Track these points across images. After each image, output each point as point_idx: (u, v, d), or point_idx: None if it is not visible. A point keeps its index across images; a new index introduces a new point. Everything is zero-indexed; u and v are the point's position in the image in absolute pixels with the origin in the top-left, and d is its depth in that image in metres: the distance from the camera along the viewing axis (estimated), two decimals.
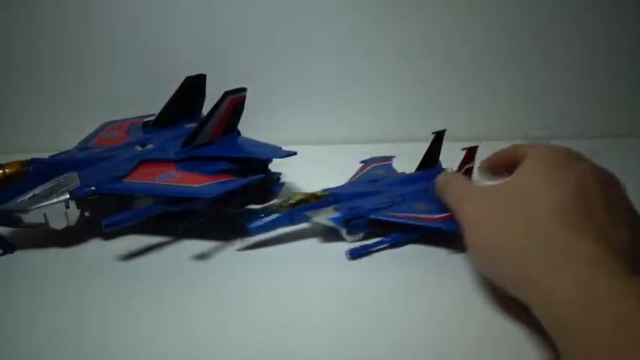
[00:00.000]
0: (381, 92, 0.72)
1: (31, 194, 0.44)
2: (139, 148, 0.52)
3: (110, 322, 0.36)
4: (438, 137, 0.53)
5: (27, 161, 0.45)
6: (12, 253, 0.45)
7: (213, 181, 0.46)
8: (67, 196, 0.44)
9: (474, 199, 0.38)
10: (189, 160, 0.50)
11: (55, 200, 0.44)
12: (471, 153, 0.52)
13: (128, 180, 0.47)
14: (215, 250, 0.45)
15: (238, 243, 0.46)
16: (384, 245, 0.45)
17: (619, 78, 0.73)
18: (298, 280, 0.41)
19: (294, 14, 0.68)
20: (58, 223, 0.44)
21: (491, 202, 0.36)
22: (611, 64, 0.72)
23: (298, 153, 0.49)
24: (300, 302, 0.38)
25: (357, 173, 0.55)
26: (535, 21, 0.69)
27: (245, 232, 0.45)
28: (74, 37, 0.69)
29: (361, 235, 0.46)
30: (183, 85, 0.58)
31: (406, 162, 0.56)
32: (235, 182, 0.46)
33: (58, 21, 0.68)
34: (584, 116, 0.75)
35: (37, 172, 0.45)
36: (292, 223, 0.46)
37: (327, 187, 0.49)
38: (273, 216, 0.44)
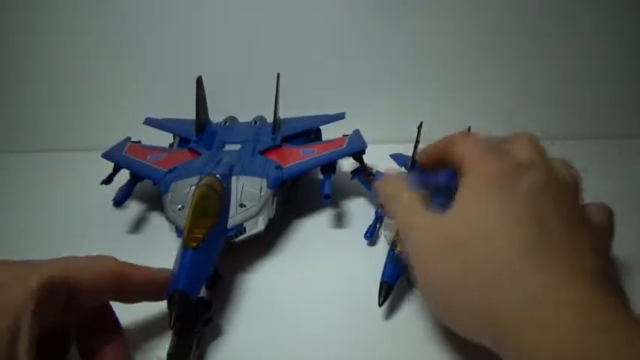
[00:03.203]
0: (378, 93, 0.73)
1: (235, 204, 0.42)
2: (234, 147, 0.52)
3: None
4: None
5: (214, 175, 0.41)
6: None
7: (340, 146, 0.53)
8: (271, 190, 0.44)
9: (424, 230, 0.31)
10: (286, 141, 0.54)
11: (267, 197, 0.43)
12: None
13: (285, 165, 0.49)
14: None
15: None
16: None
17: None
18: None
19: (291, 13, 0.68)
20: (264, 223, 0.44)
21: (443, 235, 0.30)
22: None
23: None
24: None
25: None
26: (547, 18, 0.68)
27: None
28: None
29: None
30: (197, 88, 0.57)
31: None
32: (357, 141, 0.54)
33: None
34: (591, 115, 0.73)
35: (227, 185, 0.42)
36: None
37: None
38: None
